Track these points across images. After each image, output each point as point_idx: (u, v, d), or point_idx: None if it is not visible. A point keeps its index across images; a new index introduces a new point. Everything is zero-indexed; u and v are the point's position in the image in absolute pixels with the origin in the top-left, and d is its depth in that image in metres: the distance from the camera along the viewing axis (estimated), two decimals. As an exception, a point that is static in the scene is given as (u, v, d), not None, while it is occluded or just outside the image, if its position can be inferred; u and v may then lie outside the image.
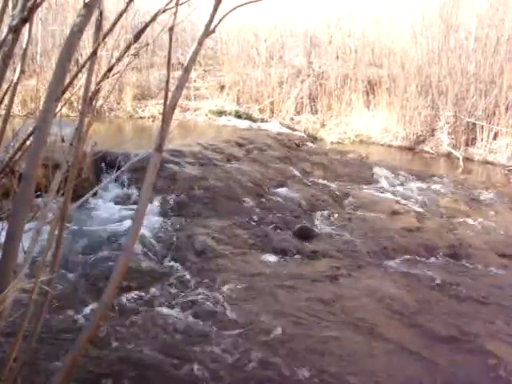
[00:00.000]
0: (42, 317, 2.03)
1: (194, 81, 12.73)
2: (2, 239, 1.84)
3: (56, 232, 2.02)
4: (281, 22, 13.38)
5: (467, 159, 10.21)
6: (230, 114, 11.93)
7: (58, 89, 1.64)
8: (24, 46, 1.86)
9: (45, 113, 1.66)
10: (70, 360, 1.93)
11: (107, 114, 10.91)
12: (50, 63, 10.43)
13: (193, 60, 1.88)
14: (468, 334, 4.00)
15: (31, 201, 1.80)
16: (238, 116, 11.91)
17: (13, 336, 1.93)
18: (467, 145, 10.63)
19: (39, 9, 1.77)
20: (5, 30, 1.64)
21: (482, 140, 10.49)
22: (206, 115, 11.78)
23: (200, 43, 1.87)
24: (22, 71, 1.90)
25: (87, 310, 3.86)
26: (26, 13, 1.55)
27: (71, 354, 1.93)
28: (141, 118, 11.38)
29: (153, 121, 11.11)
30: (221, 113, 11.93)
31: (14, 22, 1.57)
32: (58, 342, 3.44)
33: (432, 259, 5.49)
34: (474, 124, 10.56)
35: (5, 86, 1.89)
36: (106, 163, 6.56)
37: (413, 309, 4.36)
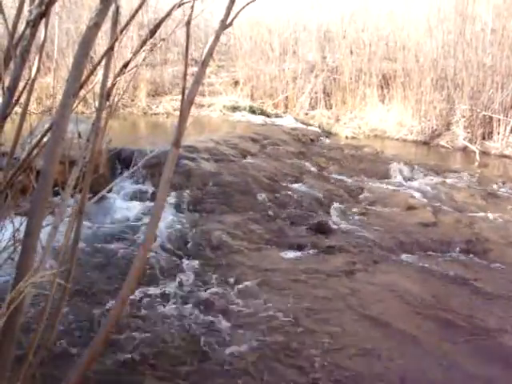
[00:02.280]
0: (61, 312, 2.03)
1: (208, 77, 12.75)
2: (21, 235, 1.84)
3: (74, 227, 2.03)
4: (294, 16, 13.33)
5: (483, 153, 10.11)
6: (244, 109, 11.93)
7: (75, 84, 1.64)
8: (41, 42, 1.86)
9: (62, 108, 1.65)
10: (89, 355, 1.93)
11: (121, 110, 10.96)
12: (64, 61, 10.49)
13: (210, 54, 1.87)
14: (485, 329, 3.97)
15: (49, 197, 1.80)
16: (252, 111, 11.91)
17: (31, 331, 1.94)
18: (483, 138, 10.53)
19: (54, 6, 1.77)
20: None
21: (498, 134, 10.39)
22: (220, 111, 11.79)
23: (217, 37, 1.85)
24: (38, 69, 1.90)
25: (105, 304, 3.88)
26: (43, 7, 1.55)
27: (90, 349, 1.93)
28: (155, 114, 11.41)
29: (167, 117, 11.15)
30: (235, 108, 11.93)
31: (32, 17, 1.57)
32: (77, 336, 3.46)
33: (448, 254, 5.45)
34: (491, 117, 10.45)
35: (21, 83, 1.89)
36: (121, 160, 6.59)
37: (429, 303, 4.33)
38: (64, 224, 2.03)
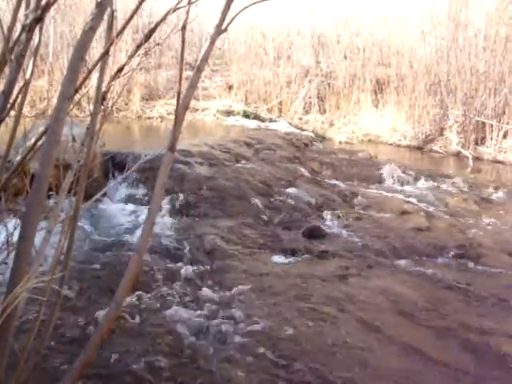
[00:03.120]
0: (54, 317, 2.02)
1: (202, 81, 12.73)
2: (15, 239, 1.84)
3: (68, 232, 2.02)
4: (288, 21, 13.36)
5: (477, 158, 10.15)
6: (238, 113, 11.93)
7: (70, 87, 1.63)
8: (35, 46, 1.86)
9: (57, 112, 1.65)
10: (82, 360, 1.92)
11: (115, 114, 10.94)
12: (58, 63, 10.47)
13: (205, 59, 1.87)
14: (479, 334, 3.97)
15: (44, 201, 1.79)
16: (246, 116, 11.90)
17: (24, 336, 1.93)
18: (477, 144, 10.57)
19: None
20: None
21: (491, 139, 10.43)
22: (214, 115, 11.79)
23: (212, 42, 1.86)
24: (32, 73, 1.90)
25: (99, 309, 3.85)
26: (39, 12, 1.54)
27: (84, 354, 1.93)
28: (149, 118, 11.40)
29: (161, 121, 11.14)
30: (229, 113, 11.93)
31: (28, 21, 1.57)
32: (71, 342, 3.44)
33: (442, 259, 5.46)
34: (484, 123, 10.50)
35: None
36: (114, 163, 6.57)
37: (423, 308, 4.33)
38: (58, 228, 2.03)
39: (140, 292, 4.22)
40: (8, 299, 1.57)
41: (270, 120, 12.01)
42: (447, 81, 10.95)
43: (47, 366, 3.04)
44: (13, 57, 1.65)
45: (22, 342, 1.96)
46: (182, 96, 1.95)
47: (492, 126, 10.40)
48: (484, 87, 10.48)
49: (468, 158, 10.06)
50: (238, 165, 7.70)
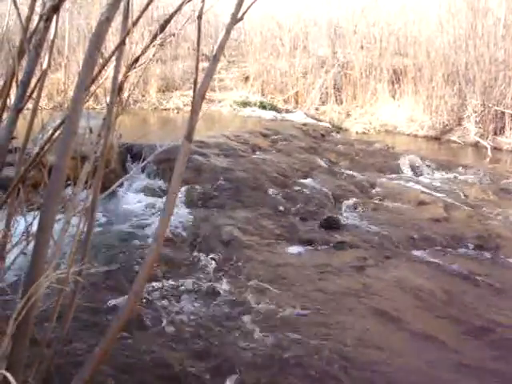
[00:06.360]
0: (74, 305, 2.05)
1: (219, 72, 12.75)
2: (34, 229, 1.86)
3: (86, 222, 2.04)
4: (304, 11, 13.30)
5: (495, 148, 10.04)
6: (254, 104, 11.93)
7: (87, 78, 1.64)
8: (51, 37, 1.87)
9: (75, 103, 1.66)
10: (101, 349, 1.94)
11: (132, 105, 10.99)
12: (75, 56, 10.54)
13: (221, 48, 1.87)
14: (497, 326, 3.94)
15: (62, 191, 1.80)
16: (263, 107, 11.90)
17: (45, 324, 1.95)
18: (495, 134, 10.44)
19: (65, 2, 1.77)
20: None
21: (510, 129, 10.30)
22: (231, 106, 11.80)
23: (228, 31, 1.85)
24: (49, 63, 1.91)
25: (118, 298, 3.89)
26: (56, 1, 1.55)
27: (103, 342, 1.94)
28: (165, 109, 11.45)
29: (177, 112, 11.18)
30: (245, 104, 11.93)
31: (45, 11, 1.58)
32: (90, 330, 3.48)
33: (460, 250, 5.42)
34: (503, 112, 10.37)
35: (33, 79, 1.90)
36: (131, 155, 6.62)
37: (441, 299, 4.31)
38: (76, 218, 2.04)
39: (158, 281, 4.25)
40: (31, 291, 1.58)
41: (287, 111, 11.99)
42: (465, 70, 10.82)
43: (68, 354, 3.07)
44: (31, 46, 1.66)
45: (43, 329, 1.99)
46: (198, 86, 1.95)
47: (511, 116, 10.26)
48: (503, 76, 10.34)
49: (486, 148, 9.95)
50: (255, 156, 7.70)
